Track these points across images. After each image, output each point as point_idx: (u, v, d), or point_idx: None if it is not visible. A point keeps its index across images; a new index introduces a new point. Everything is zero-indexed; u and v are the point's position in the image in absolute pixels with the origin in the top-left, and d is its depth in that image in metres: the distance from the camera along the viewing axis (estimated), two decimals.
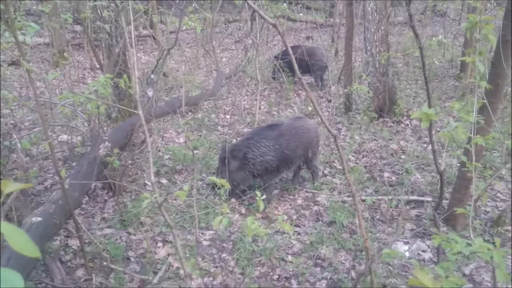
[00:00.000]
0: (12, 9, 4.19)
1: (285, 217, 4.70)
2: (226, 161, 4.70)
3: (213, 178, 2.32)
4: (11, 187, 0.84)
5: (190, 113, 7.58)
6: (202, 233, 4.35)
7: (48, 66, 9.06)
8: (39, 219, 2.97)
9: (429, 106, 3.69)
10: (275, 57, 8.91)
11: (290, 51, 2.61)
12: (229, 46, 12.92)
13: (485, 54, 2.28)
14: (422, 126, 2.23)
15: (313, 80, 9.19)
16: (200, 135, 6.69)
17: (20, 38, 3.57)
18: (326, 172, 5.60)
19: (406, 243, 4.21)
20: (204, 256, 3.98)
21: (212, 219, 4.53)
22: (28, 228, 2.89)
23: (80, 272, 3.62)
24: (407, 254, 3.96)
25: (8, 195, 4.31)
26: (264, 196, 2.32)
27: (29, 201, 4.42)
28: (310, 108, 7.88)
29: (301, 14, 12.17)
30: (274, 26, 2.48)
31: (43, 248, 3.10)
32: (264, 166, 4.83)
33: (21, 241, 0.79)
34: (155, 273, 3.70)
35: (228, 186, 2.29)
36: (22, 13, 3.78)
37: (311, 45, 10.64)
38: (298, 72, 2.66)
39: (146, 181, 5.23)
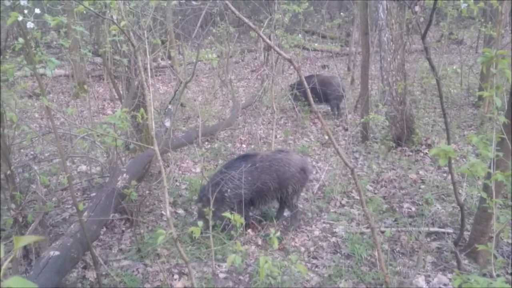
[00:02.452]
0: (33, 43, 4.34)
1: (303, 249, 4.64)
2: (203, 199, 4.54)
3: (227, 214, 2.32)
4: (23, 241, 0.85)
5: (207, 143, 7.64)
6: (219, 265, 4.31)
7: (68, 97, 9.28)
8: (56, 253, 2.98)
9: (448, 142, 3.66)
10: (291, 86, 8.98)
11: (306, 84, 2.63)
12: (245, 76, 13.09)
13: (502, 89, 2.26)
14: (441, 163, 2.20)
15: (329, 109, 9.20)
16: (217, 165, 6.71)
17: (41, 71, 3.69)
18: (343, 202, 5.53)
19: (427, 276, 4.10)
20: None
21: (228, 251, 4.50)
22: (45, 262, 2.90)
23: None
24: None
25: (28, 226, 4.38)
26: (278, 233, 2.30)
27: (48, 233, 4.47)
28: (326, 137, 7.87)
29: (316, 44, 12.32)
30: (290, 61, 2.51)
31: (60, 283, 3.10)
32: (238, 199, 4.65)
33: None
34: None
35: (242, 221, 2.28)
36: (42, 49, 3.90)
37: (327, 75, 10.71)
38: (313, 105, 2.67)
39: (163, 212, 5.24)
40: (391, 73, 6.85)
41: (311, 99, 2.70)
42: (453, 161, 4.98)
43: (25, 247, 4.27)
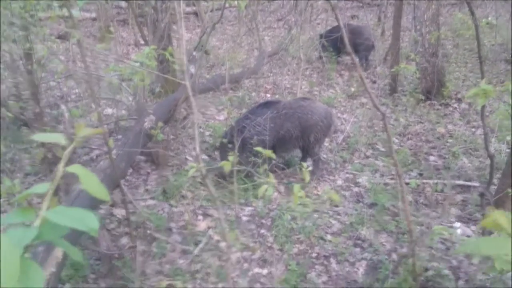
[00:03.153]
0: None
1: (325, 197, 4.66)
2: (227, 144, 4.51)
3: (259, 149, 2.31)
4: (85, 131, 0.86)
5: (231, 91, 7.58)
6: (241, 209, 4.38)
7: (94, 41, 9.25)
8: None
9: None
10: (320, 35, 8.73)
11: (342, 26, 2.53)
12: (271, 24, 12.77)
13: None
14: (480, 104, 2.13)
15: (357, 60, 8.97)
16: (241, 113, 6.68)
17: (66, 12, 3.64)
18: (368, 153, 5.49)
19: (450, 227, 4.09)
20: (243, 231, 4.01)
21: (250, 196, 4.55)
22: (77, 195, 2.99)
23: (124, 240, 3.73)
24: (459, 231, 3.84)
25: (56, 163, 4.48)
26: (310, 168, 2.28)
27: None
28: (352, 89, 7.72)
29: None
30: None
31: None
32: (260, 146, 4.63)
33: (94, 185, 0.81)
34: (196, 244, 3.77)
35: (274, 156, 2.27)
36: None
37: (358, 24, 10.36)
38: (351, 51, 2.58)
39: (187, 156, 5.29)
40: (424, 23, 6.59)
41: (347, 44, 2.61)
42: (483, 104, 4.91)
43: None
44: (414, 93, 6.85)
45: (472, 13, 3.20)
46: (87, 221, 0.79)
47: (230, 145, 4.49)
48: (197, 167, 2.20)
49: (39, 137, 0.86)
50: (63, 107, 4.69)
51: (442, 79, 6.86)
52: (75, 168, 0.82)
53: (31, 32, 4.21)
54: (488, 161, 4.95)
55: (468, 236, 3.97)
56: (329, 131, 5.06)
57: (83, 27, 10.00)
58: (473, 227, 4.07)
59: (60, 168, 0.84)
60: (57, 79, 4.71)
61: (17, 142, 4.94)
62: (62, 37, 8.24)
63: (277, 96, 7.34)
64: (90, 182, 0.83)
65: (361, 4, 13.04)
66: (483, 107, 2.44)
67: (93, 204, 3.26)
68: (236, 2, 5.05)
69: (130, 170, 4.82)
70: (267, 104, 4.87)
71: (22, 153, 4.71)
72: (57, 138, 0.86)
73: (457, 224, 3.96)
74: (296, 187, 1.96)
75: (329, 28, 9.15)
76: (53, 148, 4.21)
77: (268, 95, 7.53)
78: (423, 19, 6.58)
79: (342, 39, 7.37)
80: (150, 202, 4.34)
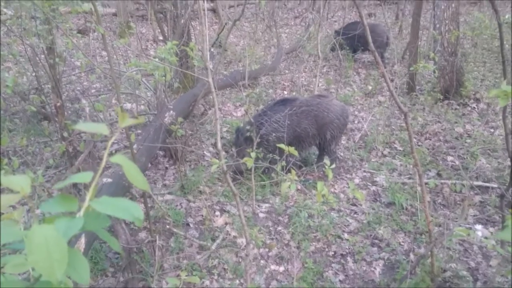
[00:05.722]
0: None
1: (342, 195, 4.66)
2: (244, 140, 4.52)
3: (282, 146, 2.33)
4: (129, 121, 0.88)
5: (248, 87, 7.60)
6: (259, 205, 4.40)
7: (113, 36, 9.34)
8: (109, 180, 3.10)
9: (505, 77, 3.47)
10: (336, 31, 8.69)
11: (365, 23, 2.52)
12: (288, 22, 12.75)
13: None
14: (501, 104, 2.10)
15: (373, 58, 8.90)
16: (257, 110, 6.70)
17: (89, 6, 3.68)
18: (385, 152, 5.46)
19: (469, 228, 4.05)
20: (261, 228, 4.03)
21: (268, 192, 4.57)
22: (100, 188, 3.03)
23: (143, 234, 3.78)
24: (479, 233, 3.81)
25: (77, 157, 4.55)
26: (333, 165, 2.29)
27: (96, 164, 4.64)
28: (370, 87, 7.68)
29: None
30: None
31: None
32: (277, 143, 4.58)
33: (135, 175, 0.82)
34: (213, 240, 3.80)
35: (296, 153, 2.28)
36: None
37: (371, 22, 10.29)
38: (371, 44, 2.58)
39: (204, 152, 5.33)
40: (444, 22, 6.51)
41: (372, 45, 2.61)
42: (500, 117, 4.79)
43: None
44: (432, 92, 6.78)
45: (496, 12, 3.16)
46: (132, 210, 0.81)
47: (247, 141, 4.51)
48: (219, 163, 2.22)
49: (82, 126, 0.88)
50: (83, 101, 4.75)
51: (461, 78, 6.78)
52: (118, 158, 0.84)
53: (53, 26, 4.26)
54: (507, 162, 4.89)
55: (486, 238, 3.93)
56: (345, 128, 5.03)
57: (103, 22, 10.09)
58: (491, 229, 4.02)
59: (104, 157, 0.86)
60: (78, 74, 4.76)
61: (39, 135, 5.03)
62: (82, 31, 8.31)
63: (294, 93, 7.34)
64: (132, 172, 0.85)
65: (378, 2, 12.94)
66: (505, 107, 2.41)
67: (117, 194, 3.31)
68: None
69: (149, 165, 4.87)
70: (284, 101, 4.87)
71: (43, 146, 4.78)
72: (100, 128, 0.88)
73: (479, 227, 3.92)
74: (320, 184, 1.96)
75: (345, 25, 9.09)
76: (74, 141, 4.27)
77: (285, 92, 7.53)
78: (443, 17, 6.50)
79: (360, 37, 7.33)
80: (168, 197, 4.38)
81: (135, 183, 0.83)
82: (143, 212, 0.81)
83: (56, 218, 0.82)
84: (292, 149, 2.22)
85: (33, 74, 5.40)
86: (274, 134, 4.62)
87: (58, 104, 4.45)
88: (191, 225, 4.03)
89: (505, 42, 8.39)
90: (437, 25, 6.64)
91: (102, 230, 0.89)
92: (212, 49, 7.54)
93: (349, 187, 4.75)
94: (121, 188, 3.19)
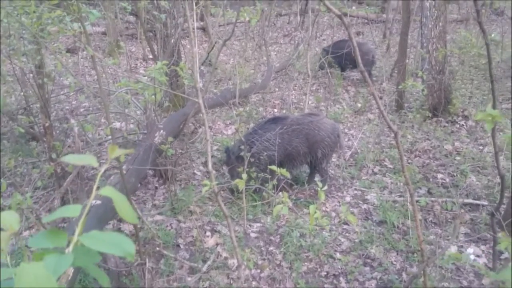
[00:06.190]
0: None
1: (333, 214, 4.64)
2: (235, 159, 4.51)
3: (273, 167, 2.31)
4: (118, 151, 0.86)
5: (238, 106, 7.61)
6: (250, 225, 4.36)
7: (102, 54, 9.33)
8: (98, 202, 3.05)
9: (494, 106, 3.52)
10: (324, 49, 8.77)
11: (355, 43, 2.53)
12: (278, 40, 12.86)
13: None
14: (488, 128, 2.12)
15: (361, 75, 8.99)
16: (248, 128, 6.69)
17: (75, 26, 3.67)
18: (376, 170, 5.47)
19: (460, 247, 4.05)
20: (252, 248, 3.99)
21: (259, 212, 4.53)
22: (88, 210, 2.97)
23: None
24: (472, 257, 3.81)
25: (65, 178, 4.49)
26: (325, 187, 2.28)
27: (84, 184, 4.58)
28: (359, 105, 7.73)
29: (353, 8, 11.93)
30: (340, 17, 2.42)
31: (101, 231, 3.19)
32: (268, 161, 4.56)
33: (125, 208, 0.80)
34: (204, 261, 3.75)
35: (288, 174, 2.27)
36: (82, 1, 3.89)
37: (358, 41, 10.41)
38: (361, 65, 2.59)
39: (195, 171, 5.29)
40: (431, 40, 6.61)
41: (361, 66, 2.61)
42: (489, 134, 4.88)
43: (62, 198, 4.40)
44: (421, 109, 6.85)
45: (484, 32, 3.20)
46: (123, 245, 0.78)
47: (238, 160, 4.49)
48: (210, 185, 2.20)
49: (71, 158, 0.86)
50: (72, 120, 4.71)
51: (449, 96, 6.86)
52: (108, 191, 0.82)
53: (42, 46, 4.24)
54: (497, 180, 4.92)
55: (478, 256, 3.93)
56: (336, 146, 5.04)
57: (92, 41, 10.08)
58: (483, 247, 4.03)
59: (94, 190, 0.84)
60: (67, 93, 4.72)
61: (27, 155, 4.96)
62: (71, 50, 8.30)
63: (284, 111, 7.36)
64: (122, 205, 0.83)
65: (366, 21, 13.13)
66: (494, 127, 2.42)
67: (102, 219, 3.26)
68: (247, 18, 5.08)
69: (139, 185, 4.82)
70: (275, 120, 4.87)
71: (31, 167, 4.71)
72: (89, 160, 0.86)
73: (470, 250, 3.93)
74: (312, 208, 1.95)
75: (334, 42, 9.18)
76: (62, 163, 4.22)
77: (276, 110, 7.55)
78: (430, 36, 6.61)
79: (348, 55, 7.39)
80: (158, 217, 4.32)
81: (124, 216, 0.81)
82: (133, 244, 0.78)
83: (45, 254, 0.79)
84: (283, 171, 2.20)
85: (22, 93, 5.36)
86: (265, 153, 4.60)
87: (47, 124, 4.41)
88: (182, 246, 3.98)
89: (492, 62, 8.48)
90: (425, 44, 6.75)
91: (92, 265, 0.86)
92: (202, 68, 7.57)
93: (340, 205, 4.77)
94: (110, 210, 3.14)
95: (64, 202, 4.37)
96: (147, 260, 3.19)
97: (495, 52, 10.52)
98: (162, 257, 3.73)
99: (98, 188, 0.91)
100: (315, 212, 1.94)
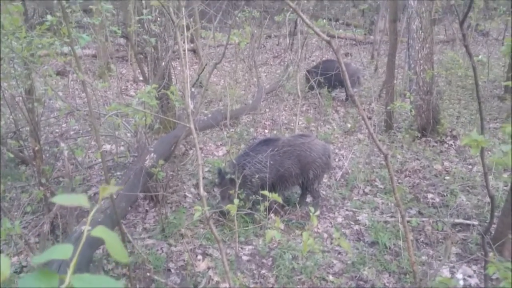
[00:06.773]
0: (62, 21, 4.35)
1: (325, 235, 4.63)
2: (228, 181, 4.46)
3: (265, 192, 2.31)
4: (108, 190, 0.86)
5: (229, 127, 7.63)
6: (242, 248, 4.33)
7: (93, 77, 9.34)
8: (88, 227, 3.02)
9: (482, 131, 3.57)
10: (308, 71, 8.90)
11: (343, 67, 2.58)
12: (267, 61, 13.00)
13: None
14: (473, 153, 2.15)
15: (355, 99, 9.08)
16: (239, 149, 6.70)
17: (65, 50, 3.69)
18: (367, 190, 5.49)
19: (452, 267, 4.06)
20: (244, 271, 3.95)
21: (251, 234, 4.51)
22: (78, 236, 2.94)
23: (122, 282, 3.65)
24: (461, 282, 3.81)
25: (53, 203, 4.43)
26: (318, 212, 2.28)
27: (74, 209, 4.53)
28: (349, 125, 7.80)
29: (340, 30, 12.14)
30: (329, 42, 2.46)
31: (92, 256, 3.15)
32: (260, 183, 4.57)
33: (116, 247, 0.80)
34: (196, 286, 3.70)
35: (280, 200, 2.27)
36: (73, 25, 3.92)
37: (344, 61, 10.58)
38: (350, 89, 2.63)
39: (186, 193, 5.27)
40: (418, 62, 6.73)
41: (351, 89, 2.66)
42: (477, 154, 4.92)
43: (51, 223, 4.34)
44: (410, 130, 6.93)
45: (470, 55, 3.27)
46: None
47: (230, 182, 4.48)
48: (202, 210, 2.19)
49: (60, 200, 0.86)
50: (62, 144, 4.68)
51: (437, 116, 6.95)
52: (99, 231, 0.82)
53: (32, 69, 4.25)
54: (486, 199, 4.96)
55: (469, 276, 3.93)
56: (327, 167, 5.07)
57: (83, 64, 10.11)
58: (474, 267, 4.03)
59: (85, 230, 0.84)
60: (57, 116, 4.71)
61: (16, 180, 4.90)
62: (61, 73, 8.30)
63: (275, 132, 7.39)
64: (113, 244, 0.83)
65: (354, 42, 13.34)
66: (482, 149, 2.46)
67: (96, 242, 3.21)
68: (237, 40, 5.13)
69: (129, 209, 4.78)
70: (266, 142, 4.89)
71: (20, 191, 4.66)
72: (80, 200, 0.86)
73: (460, 276, 3.94)
74: (306, 234, 1.95)
75: (317, 63, 9.33)
76: (51, 187, 4.18)
77: (266, 131, 7.58)
78: (418, 58, 6.73)
79: (336, 75, 7.48)
80: (149, 241, 4.28)
81: (115, 255, 0.81)
82: None
83: None
84: (275, 196, 2.21)
85: (11, 117, 5.33)
86: (257, 175, 4.60)
87: (36, 148, 4.38)
88: (173, 271, 3.93)
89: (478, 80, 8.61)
90: (412, 65, 6.86)
91: None
92: (193, 89, 7.60)
93: (332, 226, 4.76)
94: None
95: (53, 227, 4.31)
96: (137, 285, 3.14)
97: (481, 73, 10.74)
98: (152, 282, 3.68)
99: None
100: (308, 239, 1.93)
